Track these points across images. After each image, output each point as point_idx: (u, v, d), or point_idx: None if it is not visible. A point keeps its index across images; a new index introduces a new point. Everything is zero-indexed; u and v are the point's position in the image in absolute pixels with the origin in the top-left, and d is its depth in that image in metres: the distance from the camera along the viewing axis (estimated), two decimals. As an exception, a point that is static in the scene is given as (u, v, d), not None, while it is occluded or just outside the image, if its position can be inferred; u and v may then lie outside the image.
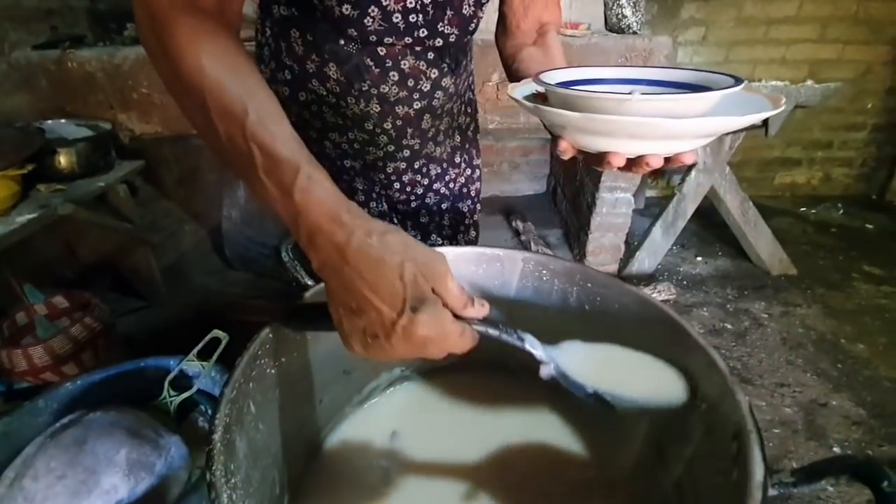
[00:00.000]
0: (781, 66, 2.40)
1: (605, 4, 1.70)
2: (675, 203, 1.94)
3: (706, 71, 0.41)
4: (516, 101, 0.42)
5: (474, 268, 0.51)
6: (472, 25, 0.63)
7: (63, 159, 1.46)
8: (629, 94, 0.34)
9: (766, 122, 1.60)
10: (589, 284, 0.46)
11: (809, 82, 1.68)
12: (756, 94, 0.40)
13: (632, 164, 0.38)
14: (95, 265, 1.84)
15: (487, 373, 0.55)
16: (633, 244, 2.05)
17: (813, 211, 2.59)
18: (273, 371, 0.37)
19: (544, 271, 0.49)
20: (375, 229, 0.32)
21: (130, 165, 1.65)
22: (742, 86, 0.36)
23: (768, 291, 1.88)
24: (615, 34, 1.66)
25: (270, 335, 0.36)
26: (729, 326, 1.69)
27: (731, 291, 1.89)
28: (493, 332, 0.35)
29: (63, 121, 1.59)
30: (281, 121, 0.36)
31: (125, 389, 0.85)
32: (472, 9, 0.61)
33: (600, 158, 0.39)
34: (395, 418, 0.50)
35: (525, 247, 2.06)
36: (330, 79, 0.62)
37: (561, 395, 0.51)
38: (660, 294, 1.80)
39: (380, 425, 0.50)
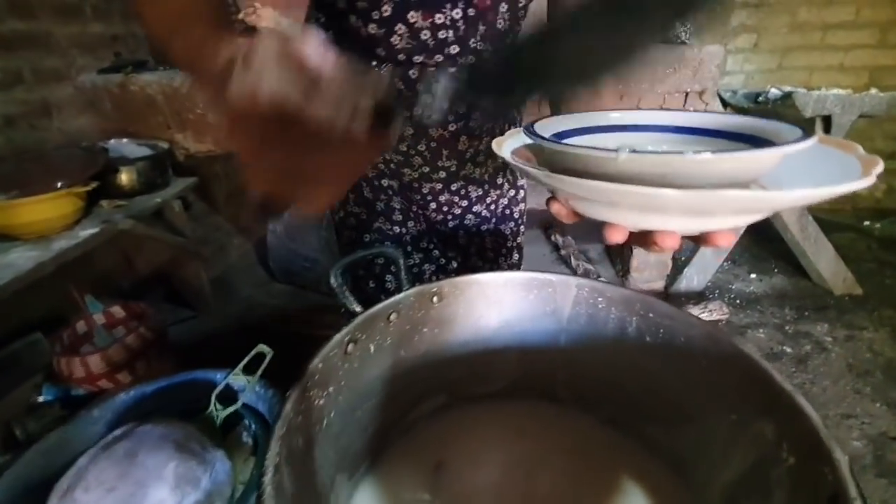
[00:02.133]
0: (839, 73, 2.27)
1: (651, 15, 1.66)
2: (726, 218, 1.85)
3: (776, 120, 0.31)
4: (502, 158, 0.36)
5: (524, 293, 0.49)
6: (508, 41, 0.61)
7: (125, 177, 1.55)
8: (615, 150, 0.26)
9: (827, 131, 1.51)
10: (651, 315, 0.43)
11: (874, 90, 1.58)
12: (840, 150, 0.29)
13: (638, 239, 0.31)
14: (150, 276, 1.93)
15: (534, 401, 0.53)
16: (680, 260, 1.96)
17: (878, 225, 2.41)
18: (321, 402, 0.36)
19: (600, 298, 0.46)
20: None
21: (185, 182, 1.73)
22: (790, 147, 0.26)
23: (831, 313, 1.75)
24: (663, 44, 1.61)
25: (320, 365, 0.35)
26: (788, 350, 1.58)
27: (790, 312, 1.77)
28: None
29: (125, 140, 1.69)
30: None
31: (174, 401, 0.87)
32: (508, 23, 0.58)
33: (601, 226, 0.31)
34: (439, 448, 0.49)
35: (565, 262, 2.01)
36: None
37: (617, 432, 0.48)
38: (711, 314, 1.71)
39: (424, 455, 0.48)
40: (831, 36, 2.22)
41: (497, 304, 0.49)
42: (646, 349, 0.44)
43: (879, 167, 0.27)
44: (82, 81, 1.66)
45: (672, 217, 0.27)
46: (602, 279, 1.83)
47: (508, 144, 0.39)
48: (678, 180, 0.25)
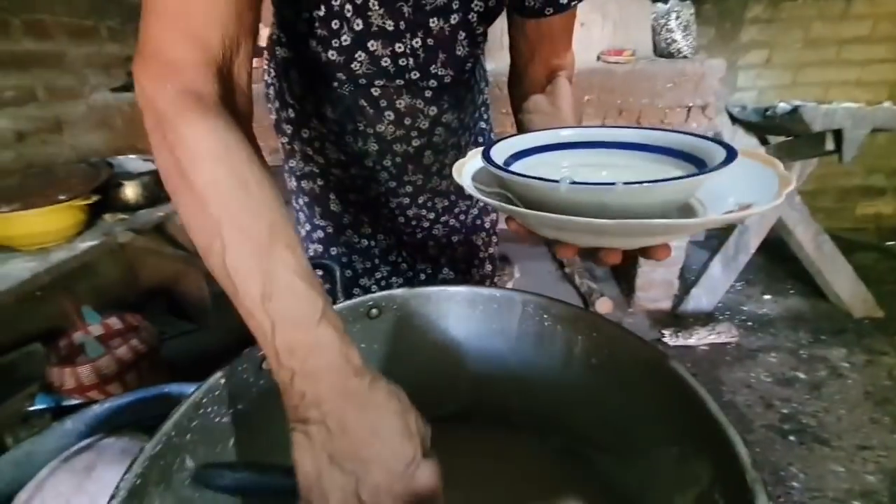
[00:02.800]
0: (857, 88, 2.19)
1: (654, 30, 1.63)
2: (737, 235, 1.78)
3: (707, 139, 0.34)
4: (462, 186, 0.37)
5: (469, 309, 0.46)
6: (468, 65, 0.60)
7: (129, 191, 1.58)
8: (557, 181, 0.30)
9: (839, 146, 1.44)
10: (594, 334, 0.40)
11: (887, 104, 1.51)
12: (767, 168, 0.33)
13: (587, 254, 0.34)
14: (154, 289, 1.96)
15: (487, 427, 0.50)
16: (689, 279, 1.90)
17: (902, 245, 2.29)
18: (226, 419, 0.34)
19: (546, 316, 0.43)
20: (378, 378, 0.31)
21: (187, 196, 1.75)
22: (709, 175, 0.29)
23: (849, 336, 1.65)
24: (664, 59, 1.58)
25: (222, 380, 0.34)
26: (802, 376, 1.49)
27: (805, 335, 1.68)
28: None
29: (132, 156, 1.73)
30: (296, 248, 0.32)
31: (148, 414, 0.86)
32: (467, 49, 0.57)
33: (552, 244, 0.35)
34: None
35: (569, 280, 1.97)
36: (328, 118, 0.62)
37: (569, 463, 0.45)
38: (719, 336, 1.64)
39: None
40: (847, 51, 2.15)
41: (442, 321, 0.47)
42: (593, 372, 0.41)
43: (790, 188, 0.30)
44: (95, 99, 1.71)
45: (611, 238, 0.31)
46: (606, 297, 1.78)
47: (469, 167, 0.40)
48: (615, 206, 0.29)
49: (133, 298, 1.93)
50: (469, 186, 0.37)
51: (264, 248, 0.30)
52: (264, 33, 1.63)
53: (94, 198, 1.37)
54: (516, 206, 0.33)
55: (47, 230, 1.28)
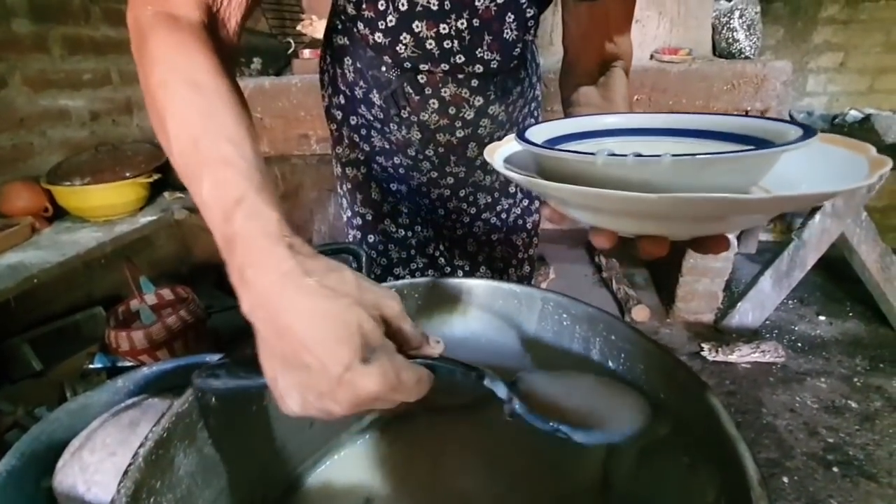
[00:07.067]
0: (946, 98, 2.01)
1: (714, 28, 1.56)
2: (792, 250, 1.68)
3: (780, 121, 0.30)
4: (490, 163, 0.34)
5: (489, 302, 0.47)
6: (517, 50, 0.59)
7: (186, 171, 1.68)
8: (593, 154, 0.26)
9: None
10: (613, 337, 0.40)
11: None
12: (855, 153, 0.28)
13: (627, 243, 0.30)
14: (204, 265, 2.08)
15: (500, 420, 0.50)
16: (735, 293, 1.81)
17: None
18: (247, 382, 0.36)
19: (565, 315, 0.43)
20: (317, 268, 0.27)
21: (239, 179, 1.84)
22: (775, 150, 0.25)
23: (913, 367, 1.53)
24: (723, 60, 1.51)
25: (248, 350, 0.36)
26: (853, 405, 1.39)
27: (861, 362, 1.57)
28: (450, 369, 0.30)
29: (191, 138, 1.84)
30: (240, 142, 0.31)
31: (190, 379, 0.93)
32: (515, 33, 0.57)
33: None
34: (372, 475, 0.46)
35: (606, 284, 1.92)
36: (374, 105, 0.63)
37: (577, 463, 0.45)
38: (764, 355, 1.56)
39: (353, 486, 0.45)
40: (936, 57, 1.98)
41: (460, 312, 0.48)
42: (607, 374, 0.41)
43: (883, 170, 0.25)
44: (161, 84, 1.82)
45: (656, 222, 0.26)
46: (643, 305, 1.73)
47: (503, 150, 0.38)
48: (662, 186, 0.24)
49: (185, 272, 2.06)
50: (499, 165, 0.33)
51: (200, 141, 0.30)
52: (320, 25, 1.68)
53: (156, 176, 1.47)
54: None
55: (113, 203, 1.38)
